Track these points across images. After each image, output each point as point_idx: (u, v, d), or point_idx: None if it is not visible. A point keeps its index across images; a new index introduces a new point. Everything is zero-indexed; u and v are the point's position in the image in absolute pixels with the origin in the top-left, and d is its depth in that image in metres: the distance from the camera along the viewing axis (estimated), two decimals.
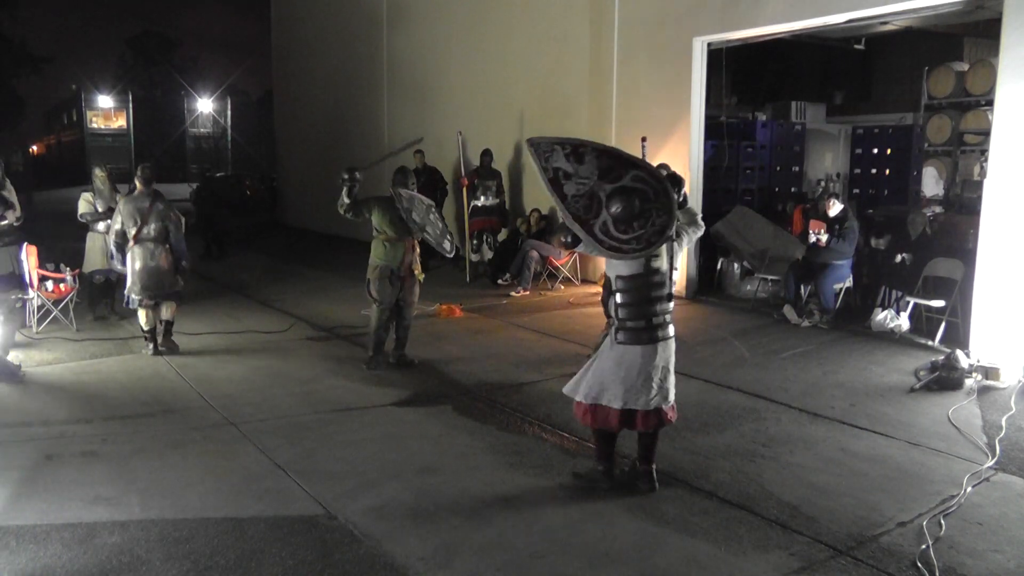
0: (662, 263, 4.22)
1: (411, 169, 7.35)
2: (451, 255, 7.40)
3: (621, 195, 4.06)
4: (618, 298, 4.24)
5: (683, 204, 4.43)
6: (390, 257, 6.92)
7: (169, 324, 7.60)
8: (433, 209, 7.21)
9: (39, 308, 8.32)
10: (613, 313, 4.31)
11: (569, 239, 4.23)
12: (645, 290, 4.21)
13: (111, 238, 7.37)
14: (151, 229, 7.19)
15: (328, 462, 4.95)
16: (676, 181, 4.36)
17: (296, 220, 19.46)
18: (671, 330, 4.34)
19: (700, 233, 4.63)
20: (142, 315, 7.37)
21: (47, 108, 55.31)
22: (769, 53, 14.47)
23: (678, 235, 4.32)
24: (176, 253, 7.35)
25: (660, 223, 4.06)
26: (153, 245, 7.20)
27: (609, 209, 4.08)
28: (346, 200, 6.83)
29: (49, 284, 8.47)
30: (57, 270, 8.69)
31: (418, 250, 7.13)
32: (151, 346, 7.41)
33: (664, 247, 4.22)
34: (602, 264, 10.59)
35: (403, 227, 6.86)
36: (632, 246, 4.06)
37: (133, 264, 7.20)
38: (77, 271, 8.85)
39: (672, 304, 4.35)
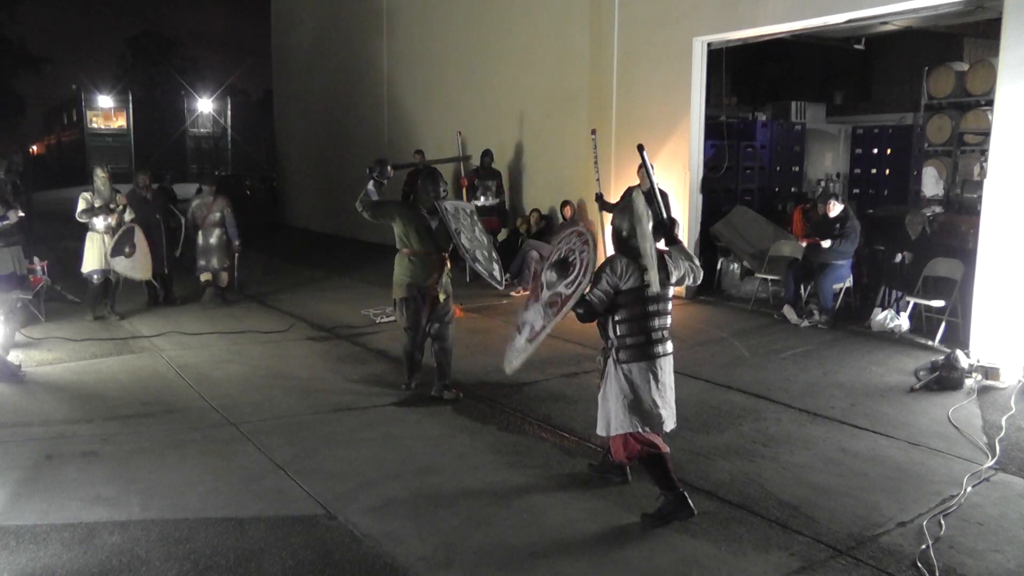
0: (654, 275, 4.15)
1: (440, 174, 6.39)
2: (502, 287, 6.39)
3: (553, 265, 4.42)
4: (616, 315, 4.18)
5: (675, 240, 4.37)
6: (417, 274, 6.01)
7: (223, 288, 9.89)
8: (476, 217, 6.28)
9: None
10: (611, 333, 4.22)
11: (581, 311, 4.20)
12: (641, 304, 4.17)
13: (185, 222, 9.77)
14: (214, 217, 9.71)
15: (328, 462, 4.95)
16: (661, 195, 4.35)
17: (296, 220, 19.48)
18: (670, 346, 4.29)
19: (698, 275, 4.42)
20: (205, 279, 9.78)
21: (47, 108, 55.32)
22: (769, 53, 14.46)
23: (672, 259, 4.28)
24: (229, 235, 9.81)
25: (583, 257, 4.27)
26: (215, 228, 9.73)
27: (549, 279, 4.39)
28: (373, 196, 5.99)
29: None
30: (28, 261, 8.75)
31: (448, 266, 6.17)
32: (208, 292, 9.78)
33: (656, 264, 4.15)
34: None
35: (431, 240, 5.99)
36: (581, 279, 4.20)
37: (200, 241, 9.72)
38: (46, 262, 9.10)
39: (670, 320, 4.29)
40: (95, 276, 8.69)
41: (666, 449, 4.24)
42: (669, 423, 4.27)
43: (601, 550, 3.90)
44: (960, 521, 4.18)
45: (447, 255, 6.10)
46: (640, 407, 4.17)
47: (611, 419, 4.24)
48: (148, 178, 9.60)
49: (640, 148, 4.96)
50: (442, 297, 6.10)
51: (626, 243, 4.22)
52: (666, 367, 4.26)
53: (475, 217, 6.23)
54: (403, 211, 6.08)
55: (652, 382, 4.18)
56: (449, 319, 6.20)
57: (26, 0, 41.59)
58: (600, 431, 4.39)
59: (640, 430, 4.17)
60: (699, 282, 4.57)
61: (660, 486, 4.19)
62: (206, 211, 9.75)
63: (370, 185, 6.02)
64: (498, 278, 6.14)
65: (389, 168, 6.12)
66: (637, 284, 4.14)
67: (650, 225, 4.20)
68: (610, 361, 4.25)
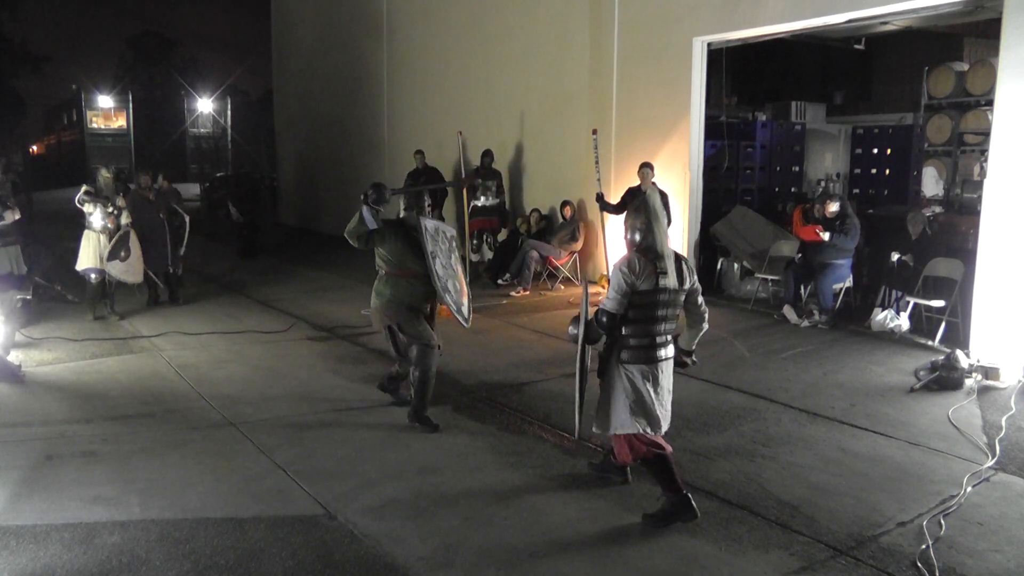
0: (670, 281, 4.12)
1: (423, 191, 5.97)
2: (467, 324, 5.77)
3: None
4: (628, 314, 4.13)
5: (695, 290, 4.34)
6: (415, 296, 5.46)
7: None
8: (455, 244, 5.79)
9: None
10: (616, 332, 4.18)
11: (604, 319, 4.20)
12: (652, 307, 4.13)
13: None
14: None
15: (328, 462, 4.95)
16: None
17: (296, 220, 19.48)
18: (672, 349, 4.26)
19: (703, 320, 4.36)
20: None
21: (47, 108, 55.28)
22: (769, 53, 14.48)
23: (688, 267, 4.25)
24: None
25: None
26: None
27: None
28: (370, 225, 5.32)
29: None
30: None
31: None
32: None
33: (674, 266, 4.14)
34: (602, 265, 10.61)
35: (426, 260, 5.42)
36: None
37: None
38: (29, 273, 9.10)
39: (675, 324, 4.26)
40: (92, 275, 8.68)
41: (670, 449, 4.24)
42: (664, 425, 4.26)
43: (601, 550, 3.90)
44: (960, 521, 4.18)
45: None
46: (643, 408, 4.15)
47: (612, 419, 4.22)
48: (150, 178, 9.60)
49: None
50: (443, 316, 5.73)
51: (641, 242, 4.14)
52: (667, 370, 4.24)
53: (454, 244, 5.78)
54: (397, 232, 5.45)
55: (652, 385, 4.16)
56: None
57: (26, 0, 41.56)
58: (597, 428, 4.37)
59: (644, 431, 4.17)
60: (704, 324, 4.37)
61: (663, 487, 4.18)
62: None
63: (365, 212, 5.35)
64: (465, 315, 5.65)
65: (388, 192, 5.49)
66: (651, 287, 4.08)
67: (666, 223, 4.18)
68: (612, 360, 4.22)
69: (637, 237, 4.16)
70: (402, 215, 5.65)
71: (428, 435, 5.43)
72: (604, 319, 4.15)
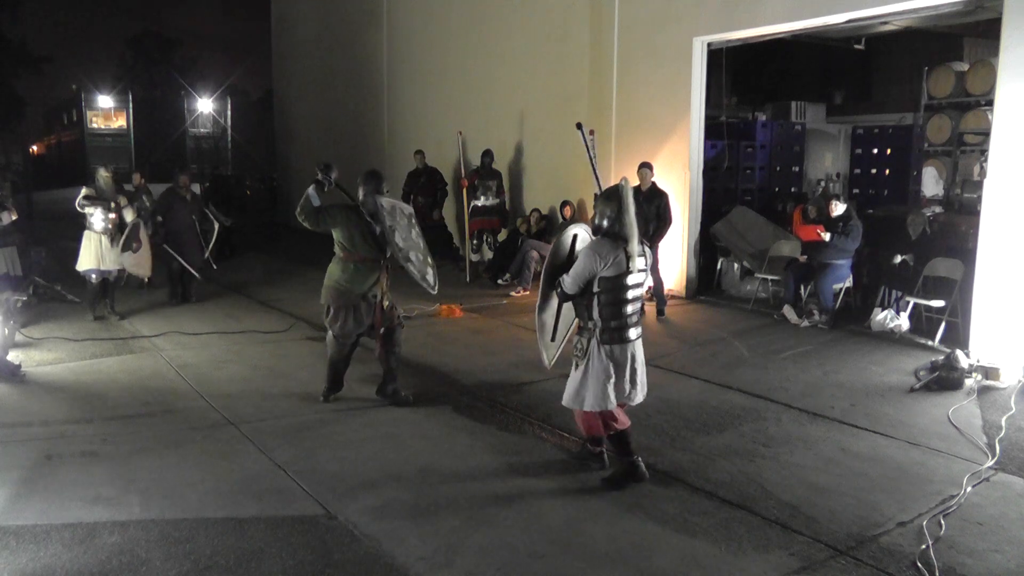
0: (636, 264, 4.39)
1: (381, 174, 6.02)
2: (434, 291, 6.04)
3: None
4: (602, 299, 4.39)
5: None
6: (359, 280, 5.76)
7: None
8: (414, 220, 6.05)
9: None
10: (596, 315, 4.43)
11: (558, 290, 4.62)
12: (623, 291, 4.39)
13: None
14: None
15: (328, 462, 4.95)
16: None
17: (296, 220, 19.45)
18: (640, 330, 4.57)
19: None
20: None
21: (47, 108, 55.26)
22: (769, 53, 14.47)
23: (647, 253, 4.58)
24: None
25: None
26: None
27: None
28: (315, 202, 5.66)
29: None
30: None
31: (389, 271, 5.89)
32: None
33: (640, 251, 4.43)
34: None
35: (376, 245, 5.74)
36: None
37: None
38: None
39: (641, 304, 4.59)
40: (93, 276, 8.69)
41: (627, 423, 4.61)
42: (639, 397, 4.59)
43: (601, 550, 3.90)
44: (960, 521, 4.18)
45: (388, 261, 5.85)
46: (619, 385, 4.44)
47: (586, 395, 4.48)
48: (188, 178, 9.77)
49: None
50: (387, 303, 5.88)
51: (609, 228, 4.40)
52: (639, 348, 4.55)
53: (413, 220, 5.99)
54: (348, 215, 5.74)
55: (629, 361, 4.46)
56: (399, 322, 6.02)
57: (26, 0, 41.54)
58: (566, 402, 4.64)
59: (611, 408, 4.46)
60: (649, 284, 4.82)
61: (619, 454, 4.63)
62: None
63: (311, 190, 5.68)
64: (431, 282, 5.92)
65: (333, 173, 5.80)
66: (619, 271, 4.34)
67: (633, 213, 4.40)
68: (593, 342, 4.46)
69: (605, 223, 4.42)
70: (361, 198, 5.81)
71: (428, 435, 5.43)
72: (558, 288, 4.55)
